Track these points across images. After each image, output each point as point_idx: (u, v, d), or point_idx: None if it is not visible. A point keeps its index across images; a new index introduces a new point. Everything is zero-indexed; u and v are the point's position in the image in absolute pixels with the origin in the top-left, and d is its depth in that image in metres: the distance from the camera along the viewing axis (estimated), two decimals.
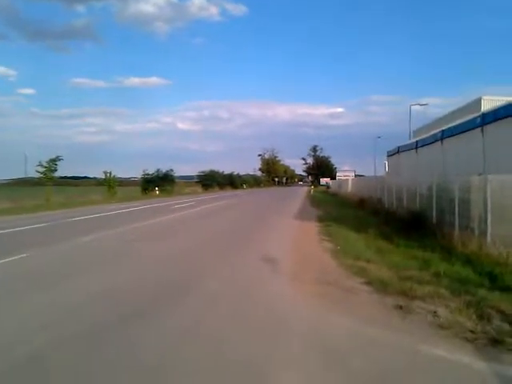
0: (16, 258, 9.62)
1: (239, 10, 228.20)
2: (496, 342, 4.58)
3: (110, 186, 39.47)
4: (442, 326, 5.08)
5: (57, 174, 34.22)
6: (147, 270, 8.69)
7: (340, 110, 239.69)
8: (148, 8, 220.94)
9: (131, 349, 4.53)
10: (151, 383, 3.82)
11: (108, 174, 40.26)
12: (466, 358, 4.25)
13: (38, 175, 33.32)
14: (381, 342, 4.71)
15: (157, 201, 35.25)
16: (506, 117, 11.53)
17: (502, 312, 5.38)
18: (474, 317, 5.25)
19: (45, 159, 33.01)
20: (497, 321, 5.14)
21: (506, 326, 4.94)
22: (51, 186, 33.19)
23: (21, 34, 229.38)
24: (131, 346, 4.60)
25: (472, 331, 4.86)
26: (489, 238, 9.28)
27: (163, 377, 3.90)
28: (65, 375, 3.99)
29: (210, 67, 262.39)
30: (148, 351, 4.45)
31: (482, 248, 8.99)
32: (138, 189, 50.67)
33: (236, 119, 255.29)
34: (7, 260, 9.40)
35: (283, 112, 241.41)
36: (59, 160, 33.55)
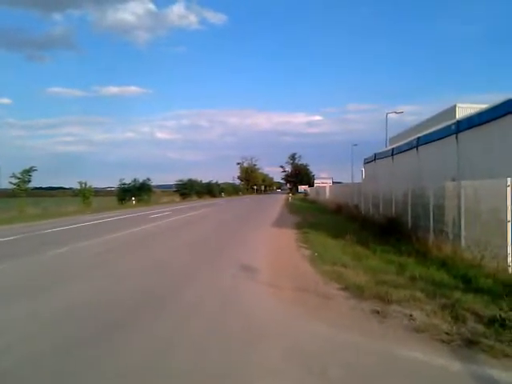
0: None
1: (218, 18, 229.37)
2: (471, 343, 4.62)
3: (84, 196, 38.81)
4: (417, 329, 5.11)
5: (31, 185, 33.53)
6: (117, 281, 8.51)
7: (318, 118, 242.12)
8: (127, 17, 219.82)
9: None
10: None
11: (83, 185, 39.62)
12: (442, 360, 4.27)
13: (11, 186, 32.60)
14: (358, 347, 4.70)
15: (133, 211, 34.78)
16: (479, 124, 11.77)
17: (476, 313, 5.44)
18: (449, 319, 5.30)
19: (19, 170, 32.36)
20: (471, 322, 5.20)
21: (481, 327, 5.00)
22: (25, 197, 32.49)
23: None
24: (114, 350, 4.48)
25: (447, 333, 4.90)
26: (463, 242, 9.44)
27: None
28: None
29: (190, 76, 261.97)
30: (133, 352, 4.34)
31: (457, 251, 9.13)
32: (115, 199, 49.97)
33: (216, 128, 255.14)
34: None
35: (262, 120, 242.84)
36: (33, 171, 32.88)
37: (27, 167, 32.74)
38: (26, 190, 32.64)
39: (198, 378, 4.02)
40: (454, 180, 11.27)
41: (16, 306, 6.60)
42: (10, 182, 32.22)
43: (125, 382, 3.97)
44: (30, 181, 32.83)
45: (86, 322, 5.71)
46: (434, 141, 15.53)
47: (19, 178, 32.12)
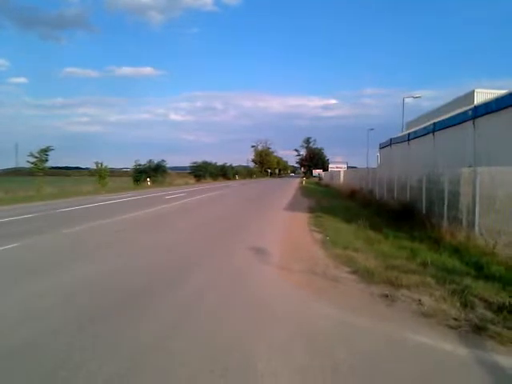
0: (7, 247, 9.66)
1: None
2: (479, 329, 4.63)
3: (100, 176, 39.19)
4: (425, 314, 5.13)
5: (48, 165, 33.93)
6: (136, 258, 8.66)
7: (333, 101, 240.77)
8: None
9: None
10: None
11: (99, 165, 39.96)
12: (449, 345, 4.30)
13: (29, 165, 33.05)
14: (365, 330, 4.74)
15: (148, 191, 35.14)
16: (497, 110, 11.56)
17: (485, 300, 5.43)
18: (457, 305, 5.31)
19: (36, 149, 32.76)
20: (480, 308, 5.20)
21: (489, 314, 5.00)
22: (42, 176, 32.95)
23: (12, 23, 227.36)
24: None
25: (455, 319, 4.91)
26: (477, 229, 9.35)
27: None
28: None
29: (204, 58, 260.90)
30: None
31: (470, 238, 9.06)
32: (130, 179, 50.40)
33: (230, 110, 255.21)
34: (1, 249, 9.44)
35: (277, 104, 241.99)
36: (50, 150, 33.28)
37: (44, 146, 33.17)
38: (44, 169, 33.06)
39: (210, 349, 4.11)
40: (470, 166, 11.12)
41: (38, 280, 6.78)
42: (28, 161, 32.71)
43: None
44: (47, 160, 33.28)
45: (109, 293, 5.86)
46: (450, 126, 15.31)
47: (37, 157, 32.54)
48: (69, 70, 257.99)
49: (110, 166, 43.11)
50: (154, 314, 5.23)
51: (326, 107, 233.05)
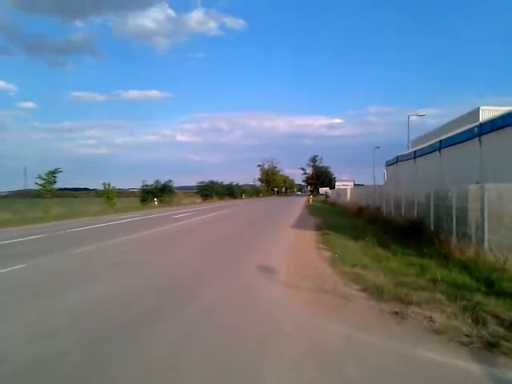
0: (14, 268, 9.67)
1: (238, 24, 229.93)
2: (491, 345, 4.57)
3: (108, 197, 39.40)
4: (437, 331, 5.08)
5: (56, 186, 34.24)
6: (141, 279, 8.67)
7: (339, 120, 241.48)
8: (147, 23, 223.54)
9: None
10: None
11: (107, 186, 40.24)
12: (461, 362, 4.26)
13: (37, 187, 33.35)
14: (376, 348, 4.71)
15: (155, 211, 35.24)
16: (503, 127, 11.59)
17: (497, 316, 5.38)
18: (469, 321, 5.26)
19: (44, 171, 33.12)
20: (492, 325, 5.14)
21: (501, 330, 4.94)
22: (50, 197, 33.20)
23: (21, 49, 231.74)
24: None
25: (467, 335, 4.87)
26: (486, 245, 9.29)
27: None
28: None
29: (210, 80, 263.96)
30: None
31: (479, 254, 9.00)
32: (137, 200, 50.65)
33: (236, 131, 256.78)
34: (5, 270, 9.44)
35: (283, 123, 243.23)
36: (58, 172, 33.66)
37: (52, 169, 33.54)
38: (52, 190, 33.37)
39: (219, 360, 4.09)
40: (477, 183, 11.10)
41: (41, 302, 6.80)
42: (36, 183, 33.06)
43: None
44: (55, 182, 33.63)
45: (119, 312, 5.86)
46: (456, 143, 15.36)
47: (45, 179, 32.89)
48: (76, 94, 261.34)
49: (118, 186, 43.52)
50: (162, 330, 5.23)
51: (331, 126, 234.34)
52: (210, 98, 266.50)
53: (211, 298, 6.93)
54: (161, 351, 4.61)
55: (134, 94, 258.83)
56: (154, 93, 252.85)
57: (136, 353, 4.59)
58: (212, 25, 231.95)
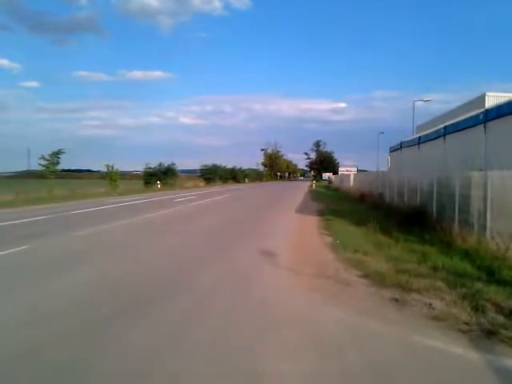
0: (17, 249, 9.69)
1: (242, 3, 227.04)
2: (490, 333, 4.60)
3: (111, 179, 39.43)
4: (436, 318, 5.11)
5: (60, 167, 34.34)
6: (145, 261, 8.75)
7: (343, 105, 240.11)
8: (150, 1, 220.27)
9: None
10: None
11: (110, 168, 40.23)
12: (460, 349, 4.28)
13: (40, 168, 33.42)
14: (376, 333, 4.74)
15: (158, 194, 35.34)
16: (509, 113, 11.48)
17: (497, 304, 5.40)
18: (468, 309, 5.28)
19: (48, 152, 33.14)
20: (492, 313, 5.17)
21: (501, 318, 4.97)
22: (54, 178, 33.29)
23: (23, 27, 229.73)
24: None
25: (466, 323, 4.89)
26: (488, 233, 9.30)
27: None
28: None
29: (214, 62, 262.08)
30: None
31: (481, 242, 9.01)
32: (141, 182, 50.72)
33: (239, 114, 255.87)
34: (8, 252, 9.47)
35: (286, 107, 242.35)
36: (61, 153, 33.72)
37: (56, 149, 33.55)
38: (55, 171, 33.44)
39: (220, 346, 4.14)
40: (481, 170, 11.05)
41: (44, 283, 6.88)
42: (40, 164, 33.09)
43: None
44: (58, 163, 33.71)
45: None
46: (461, 130, 15.25)
47: (48, 160, 32.91)
48: (80, 73, 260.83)
49: (121, 168, 43.43)
50: (165, 312, 5.29)
51: (335, 111, 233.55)
52: (213, 79, 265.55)
53: (214, 279, 6.99)
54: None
55: (137, 74, 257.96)
56: (158, 73, 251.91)
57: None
58: (216, 4, 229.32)
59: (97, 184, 40.64)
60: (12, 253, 9.36)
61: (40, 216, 17.07)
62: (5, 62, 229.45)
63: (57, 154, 33.36)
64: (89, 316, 5.25)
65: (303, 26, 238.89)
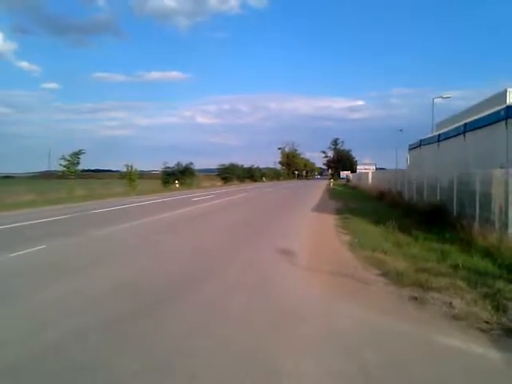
0: (34, 249, 9.77)
1: (259, 2, 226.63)
2: (511, 332, 4.54)
3: (130, 179, 39.80)
4: (456, 317, 5.06)
5: (80, 167, 34.88)
6: (164, 260, 8.85)
7: (360, 102, 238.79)
8: (168, 2, 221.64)
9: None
10: None
11: (129, 168, 40.59)
12: (480, 348, 4.24)
13: (61, 168, 33.97)
14: (395, 332, 4.73)
15: (176, 193, 35.61)
16: None
17: None
18: (489, 308, 5.22)
19: (68, 153, 33.67)
20: None
21: None
22: (74, 178, 33.80)
23: (43, 30, 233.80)
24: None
25: (487, 322, 4.84)
26: (510, 231, 9.15)
27: None
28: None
29: (231, 61, 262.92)
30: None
31: (503, 240, 8.85)
32: (159, 182, 51.13)
33: (256, 113, 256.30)
34: (27, 251, 9.56)
35: (303, 105, 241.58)
36: (82, 154, 34.26)
37: (76, 150, 34.06)
38: (75, 172, 33.97)
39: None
40: (502, 167, 10.87)
41: (63, 282, 7.01)
42: (60, 164, 33.65)
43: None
44: (78, 163, 34.26)
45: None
46: (482, 127, 14.98)
47: (68, 161, 33.44)
48: (99, 75, 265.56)
49: (140, 168, 43.85)
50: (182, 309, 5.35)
51: (352, 108, 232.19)
52: (230, 79, 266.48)
53: (232, 278, 7.05)
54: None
55: (155, 75, 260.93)
56: (175, 74, 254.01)
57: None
58: (233, 3, 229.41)
59: (116, 184, 41.06)
60: (26, 253, 9.51)
61: (60, 216, 17.34)
62: (25, 64, 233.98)
63: (77, 154, 33.91)
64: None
65: (319, 24, 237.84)
